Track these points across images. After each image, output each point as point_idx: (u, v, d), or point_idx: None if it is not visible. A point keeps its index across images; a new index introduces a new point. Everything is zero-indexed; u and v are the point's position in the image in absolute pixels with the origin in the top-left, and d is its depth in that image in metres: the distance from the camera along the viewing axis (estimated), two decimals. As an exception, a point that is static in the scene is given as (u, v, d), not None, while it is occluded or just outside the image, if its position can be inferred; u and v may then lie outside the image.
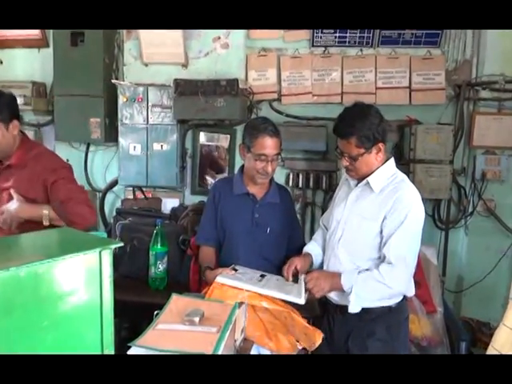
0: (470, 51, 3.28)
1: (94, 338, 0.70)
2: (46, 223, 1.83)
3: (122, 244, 0.75)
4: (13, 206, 1.81)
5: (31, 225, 1.77)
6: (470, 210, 3.28)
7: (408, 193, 1.68)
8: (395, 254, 1.63)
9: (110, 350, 0.71)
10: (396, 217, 1.63)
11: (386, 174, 1.73)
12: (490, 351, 1.14)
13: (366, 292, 1.67)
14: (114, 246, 0.70)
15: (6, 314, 0.59)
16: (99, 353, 0.70)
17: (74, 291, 0.67)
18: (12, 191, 1.82)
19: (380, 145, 1.68)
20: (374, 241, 1.69)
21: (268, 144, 1.91)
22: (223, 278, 1.65)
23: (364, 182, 1.74)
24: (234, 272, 1.76)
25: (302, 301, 1.63)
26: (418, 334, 2.54)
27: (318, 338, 1.65)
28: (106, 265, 0.69)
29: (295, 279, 1.79)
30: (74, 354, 0.66)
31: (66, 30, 3.26)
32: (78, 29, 3.22)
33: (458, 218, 3.31)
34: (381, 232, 1.67)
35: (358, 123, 1.64)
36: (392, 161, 1.77)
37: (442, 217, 3.29)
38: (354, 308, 1.68)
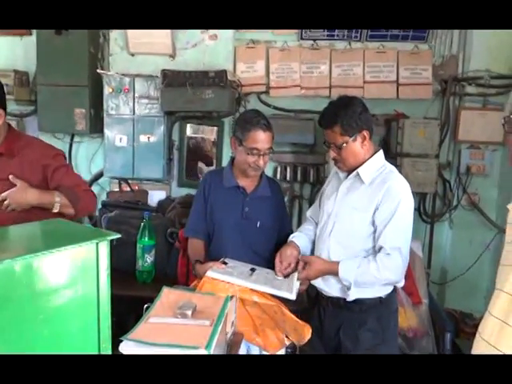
0: (456, 47, 3.31)
1: (91, 331, 0.68)
2: (55, 210, 1.79)
3: (119, 235, 0.73)
4: (19, 191, 1.75)
5: (37, 212, 1.73)
6: (455, 203, 3.33)
7: (397, 183, 1.70)
8: (390, 245, 1.65)
9: (107, 344, 0.70)
10: (387, 207, 1.65)
11: (376, 165, 1.75)
12: (478, 341, 1.16)
13: (364, 284, 1.70)
14: (111, 238, 0.69)
15: (1, 306, 0.57)
16: (96, 346, 0.68)
17: (71, 284, 0.65)
18: (12, 177, 1.76)
19: (364, 133, 1.70)
20: (366, 232, 1.70)
21: (261, 138, 1.90)
22: (214, 273, 1.64)
23: (354, 173, 1.75)
24: (224, 266, 1.75)
25: (293, 296, 1.64)
26: (404, 326, 2.58)
27: (307, 332, 1.66)
28: (103, 257, 0.67)
29: (286, 276, 1.78)
30: (70, 347, 0.65)
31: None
32: (63, 29, 3.15)
33: (443, 211, 3.36)
34: (372, 223, 1.69)
35: (341, 112, 1.69)
36: (381, 153, 1.79)
37: (427, 210, 3.33)
38: (351, 297, 1.71)
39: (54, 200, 1.79)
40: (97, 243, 0.66)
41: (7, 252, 0.59)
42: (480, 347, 1.11)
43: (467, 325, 3.09)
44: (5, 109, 1.79)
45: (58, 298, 0.63)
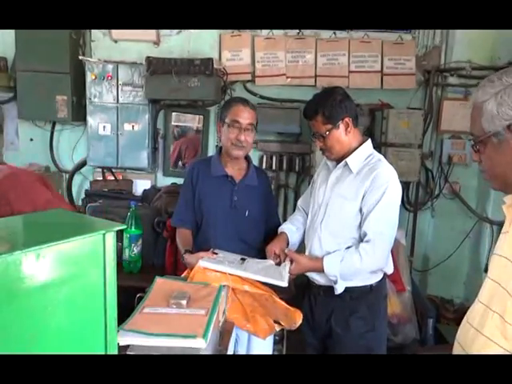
0: (439, 38, 3.36)
1: (98, 322, 0.68)
2: None
3: (125, 226, 0.72)
4: None
5: None
6: (437, 192, 3.40)
7: (385, 171, 1.72)
8: (373, 231, 1.67)
9: (113, 335, 0.70)
10: (374, 194, 1.68)
11: (363, 154, 1.77)
12: (465, 327, 1.19)
13: (350, 276, 1.73)
14: (117, 229, 0.68)
15: (7, 301, 0.56)
16: (103, 336, 0.68)
17: (78, 275, 0.65)
18: None
19: (347, 119, 1.73)
20: (355, 220, 1.73)
21: (241, 111, 1.95)
22: (206, 262, 1.64)
23: (343, 163, 1.77)
24: (215, 256, 1.75)
25: (285, 283, 1.65)
26: (389, 312, 2.61)
27: (298, 317, 1.69)
28: (110, 248, 0.67)
29: (277, 263, 1.80)
30: (78, 337, 0.64)
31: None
32: (46, 29, 3.04)
33: (425, 200, 3.43)
34: (360, 211, 1.71)
35: (322, 101, 1.74)
36: (369, 142, 1.82)
37: (410, 199, 3.40)
38: (339, 290, 1.74)
39: None
40: (103, 234, 0.66)
41: (15, 243, 0.58)
42: (464, 333, 1.14)
43: (448, 310, 3.18)
44: None
45: (65, 290, 0.63)
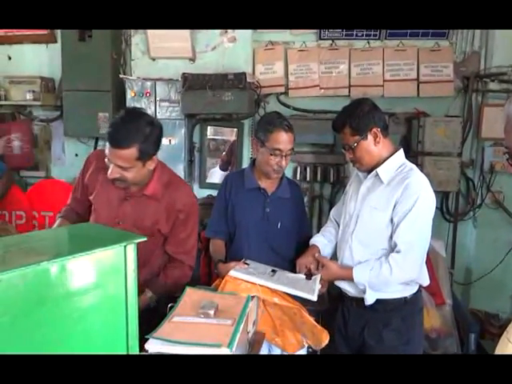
0: (478, 42, 3.26)
1: (120, 329, 0.72)
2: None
3: (145, 238, 0.76)
4: None
5: None
6: (479, 202, 3.27)
7: (417, 180, 1.69)
8: (404, 241, 1.64)
9: (134, 341, 0.74)
10: (405, 204, 1.65)
11: (395, 164, 1.75)
12: (503, 342, 1.14)
13: (379, 286, 1.70)
14: (138, 241, 0.72)
15: (38, 306, 0.61)
16: (125, 343, 0.72)
17: (101, 284, 0.69)
18: None
19: (375, 130, 1.72)
20: (387, 231, 1.70)
21: (283, 139, 1.93)
22: (236, 272, 1.66)
23: (373, 173, 1.76)
24: (246, 266, 1.78)
25: (314, 297, 1.65)
26: (427, 326, 2.55)
27: (325, 338, 1.68)
28: (131, 259, 0.71)
29: (308, 276, 1.80)
30: (101, 343, 0.69)
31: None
32: (86, 29, 3.23)
33: (467, 210, 3.31)
34: (391, 221, 1.69)
35: (349, 113, 1.75)
36: (401, 152, 1.79)
37: (450, 209, 3.29)
38: (369, 301, 1.72)
39: (148, 298, 1.76)
40: (125, 246, 0.70)
41: (43, 255, 0.63)
42: (503, 347, 1.10)
43: (493, 325, 3.04)
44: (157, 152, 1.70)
45: (90, 298, 0.67)
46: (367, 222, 1.75)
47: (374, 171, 1.75)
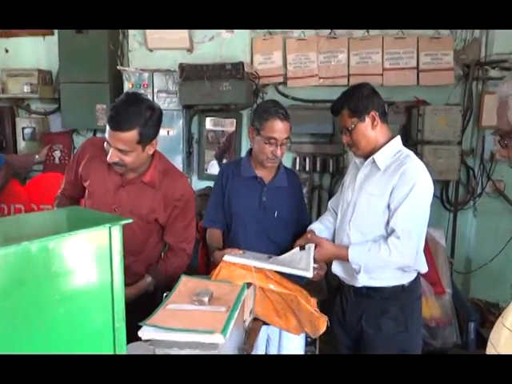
0: (478, 30, 3.22)
1: (106, 311, 0.71)
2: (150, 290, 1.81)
3: (131, 220, 0.76)
4: None
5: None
6: (479, 191, 3.25)
7: (413, 166, 1.67)
8: (402, 227, 1.64)
9: (121, 324, 0.73)
10: (402, 190, 1.64)
11: (391, 151, 1.74)
12: (498, 327, 1.13)
13: (375, 268, 1.70)
14: (123, 223, 0.71)
15: (18, 287, 0.60)
16: (111, 325, 0.71)
17: (85, 266, 0.68)
18: None
19: (373, 113, 1.72)
20: (384, 217, 1.69)
21: (278, 127, 1.90)
22: (231, 257, 1.65)
23: (370, 159, 1.75)
24: (241, 252, 1.77)
25: (309, 274, 1.63)
26: (427, 315, 2.55)
27: (322, 325, 1.65)
28: (116, 241, 0.70)
29: (302, 247, 1.80)
30: (86, 325, 0.68)
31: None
32: (82, 29, 3.21)
33: (467, 199, 3.29)
34: (388, 207, 1.68)
35: (348, 96, 1.76)
36: (398, 138, 1.78)
37: (450, 198, 3.27)
38: (360, 282, 1.71)
39: (147, 284, 1.79)
40: (109, 227, 0.69)
41: (25, 235, 0.62)
42: (498, 332, 1.09)
43: (493, 314, 3.03)
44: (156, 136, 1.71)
45: (73, 279, 0.67)
46: (364, 209, 1.74)
47: (371, 158, 1.74)
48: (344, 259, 1.72)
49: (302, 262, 1.70)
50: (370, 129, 1.73)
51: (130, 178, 1.76)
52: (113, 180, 1.75)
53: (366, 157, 1.78)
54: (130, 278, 1.65)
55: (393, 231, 1.65)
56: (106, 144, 1.64)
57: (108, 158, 1.63)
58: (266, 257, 1.80)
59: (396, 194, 1.65)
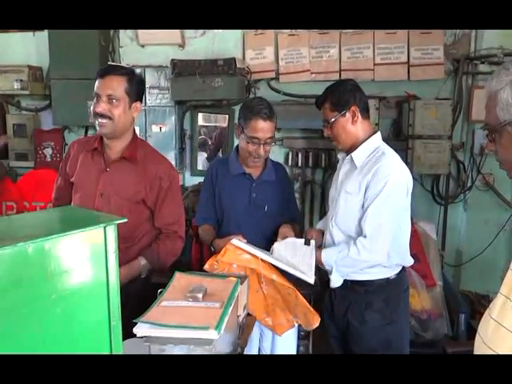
0: (468, 25, 3.24)
1: (102, 309, 0.72)
2: (143, 275, 1.80)
3: (125, 220, 0.76)
4: None
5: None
6: (469, 184, 3.29)
7: (386, 164, 1.68)
8: (370, 225, 1.67)
9: (117, 322, 0.74)
10: (374, 189, 1.67)
11: (369, 148, 1.76)
12: (486, 318, 1.16)
13: (346, 267, 1.74)
14: (118, 222, 0.72)
15: (14, 287, 0.61)
16: (107, 323, 0.72)
17: (81, 266, 0.69)
18: None
19: (353, 108, 1.74)
20: (360, 215, 1.72)
21: (260, 127, 1.90)
22: (238, 242, 1.67)
23: (349, 158, 1.78)
24: (245, 241, 1.77)
25: (311, 280, 1.67)
26: (418, 308, 2.59)
27: (315, 320, 1.72)
28: (111, 240, 0.71)
29: (307, 241, 1.82)
30: (82, 324, 0.69)
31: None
32: (75, 29, 3.18)
33: (457, 192, 3.33)
34: (363, 206, 1.70)
35: (331, 90, 1.80)
36: (378, 135, 1.80)
37: (440, 192, 3.31)
38: (335, 283, 1.76)
39: (141, 266, 1.78)
40: (104, 227, 0.70)
41: (21, 236, 0.63)
42: (485, 323, 1.12)
43: (483, 306, 3.07)
44: (140, 101, 1.82)
45: (69, 279, 0.68)
46: (343, 207, 1.77)
47: (349, 156, 1.77)
48: (318, 262, 1.76)
49: (304, 263, 1.72)
50: (350, 124, 1.75)
51: (112, 159, 1.80)
52: (96, 166, 1.79)
53: (347, 152, 1.81)
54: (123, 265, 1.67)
55: (363, 230, 1.68)
56: (95, 99, 1.73)
57: (97, 107, 1.71)
58: (268, 252, 1.82)
59: (369, 193, 1.68)
